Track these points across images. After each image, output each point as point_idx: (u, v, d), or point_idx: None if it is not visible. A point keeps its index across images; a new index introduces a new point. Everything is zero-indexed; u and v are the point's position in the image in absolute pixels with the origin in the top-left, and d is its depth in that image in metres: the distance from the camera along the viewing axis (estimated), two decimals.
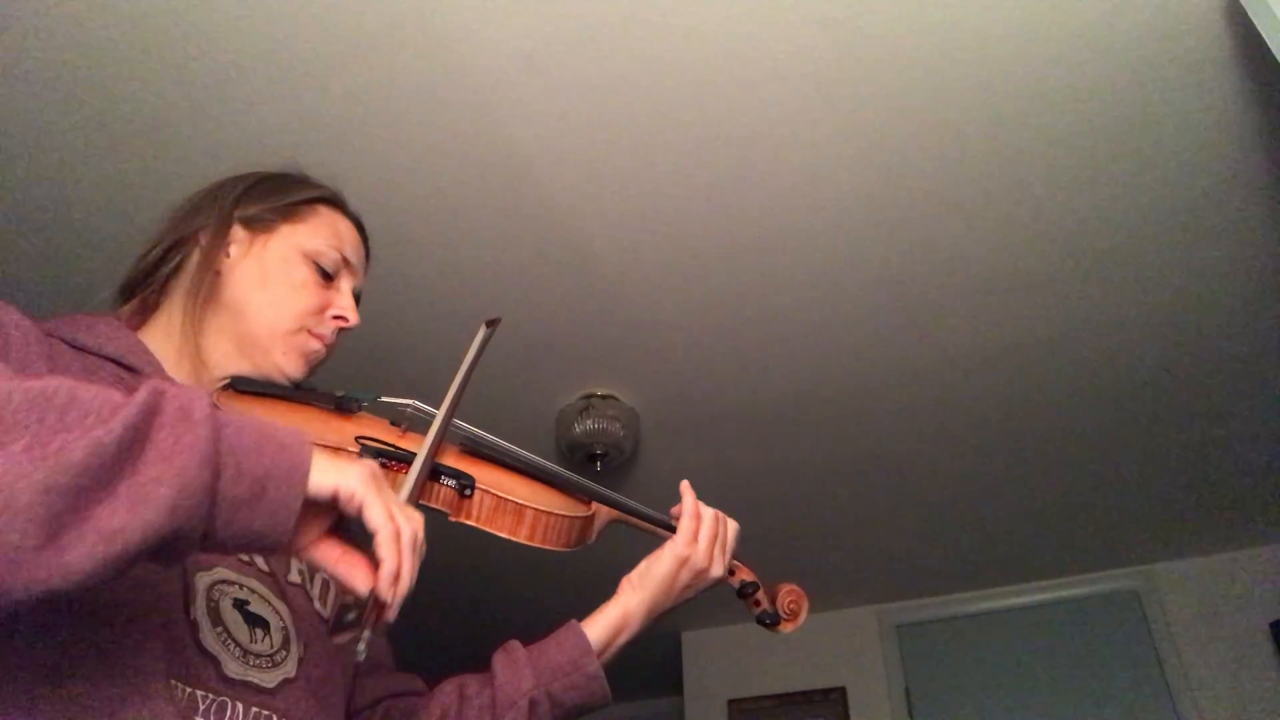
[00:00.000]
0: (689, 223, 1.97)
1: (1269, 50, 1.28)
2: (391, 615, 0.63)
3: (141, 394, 0.56)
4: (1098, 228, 2.01)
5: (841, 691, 3.70)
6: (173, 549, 0.55)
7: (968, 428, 2.72)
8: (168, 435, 0.55)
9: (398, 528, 0.63)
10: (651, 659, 4.07)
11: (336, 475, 0.61)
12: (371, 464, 0.64)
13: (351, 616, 0.62)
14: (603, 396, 2.51)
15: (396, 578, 0.62)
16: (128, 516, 0.52)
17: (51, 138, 1.67)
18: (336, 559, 0.63)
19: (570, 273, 2.09)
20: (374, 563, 0.63)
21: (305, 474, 0.59)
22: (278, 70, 1.59)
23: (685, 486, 1.09)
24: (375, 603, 0.62)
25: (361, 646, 0.63)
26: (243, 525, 0.57)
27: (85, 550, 0.50)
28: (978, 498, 3.11)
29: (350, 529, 0.65)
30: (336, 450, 0.82)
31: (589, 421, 2.46)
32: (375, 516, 0.62)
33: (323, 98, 1.64)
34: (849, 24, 1.55)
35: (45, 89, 1.58)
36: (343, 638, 0.62)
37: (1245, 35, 1.55)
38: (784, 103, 1.69)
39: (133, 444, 0.53)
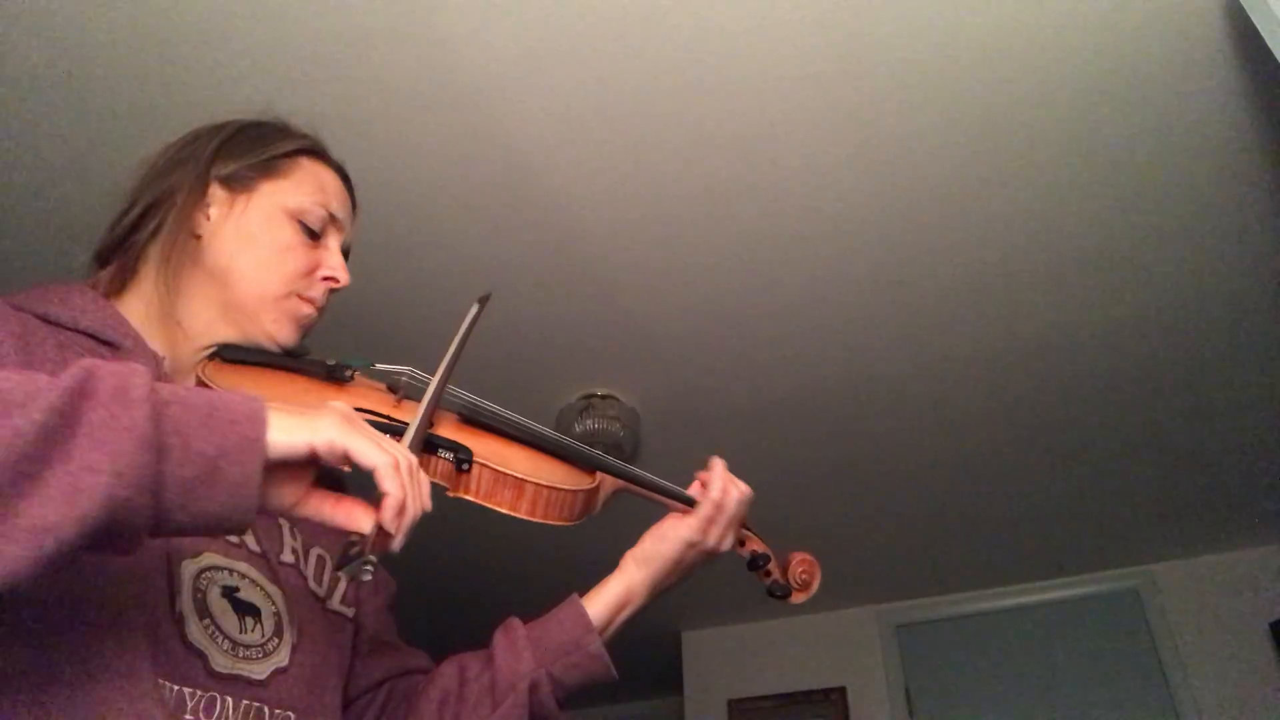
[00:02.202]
0: (689, 223, 1.97)
1: (1269, 50, 1.28)
2: (397, 545, 0.62)
3: (68, 375, 0.51)
4: (1097, 228, 2.01)
5: (841, 691, 3.70)
6: (118, 539, 0.52)
7: (967, 428, 2.72)
8: (101, 416, 0.51)
9: (394, 457, 0.61)
10: (651, 659, 4.07)
11: (307, 432, 0.58)
12: (339, 405, 0.62)
13: (355, 551, 0.61)
14: (603, 396, 2.51)
15: (402, 508, 0.61)
16: (61, 510, 0.48)
17: (51, 137, 1.67)
18: (332, 507, 0.62)
19: (570, 272, 2.09)
20: (370, 501, 0.62)
21: (262, 446, 0.56)
22: (277, 70, 1.58)
23: (718, 464, 1.01)
24: (380, 535, 0.61)
25: (367, 576, 0.62)
26: (198, 509, 0.54)
27: (17, 551, 0.47)
28: (978, 498, 3.11)
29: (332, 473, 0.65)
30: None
31: (589, 421, 2.46)
32: (366, 455, 0.60)
33: (323, 97, 1.64)
34: (848, 24, 1.55)
35: (45, 88, 1.58)
36: (348, 570, 0.62)
37: (1245, 35, 1.55)
38: (784, 103, 1.69)
39: (59, 429, 0.49)
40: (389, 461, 0.61)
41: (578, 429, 2.46)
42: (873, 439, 2.76)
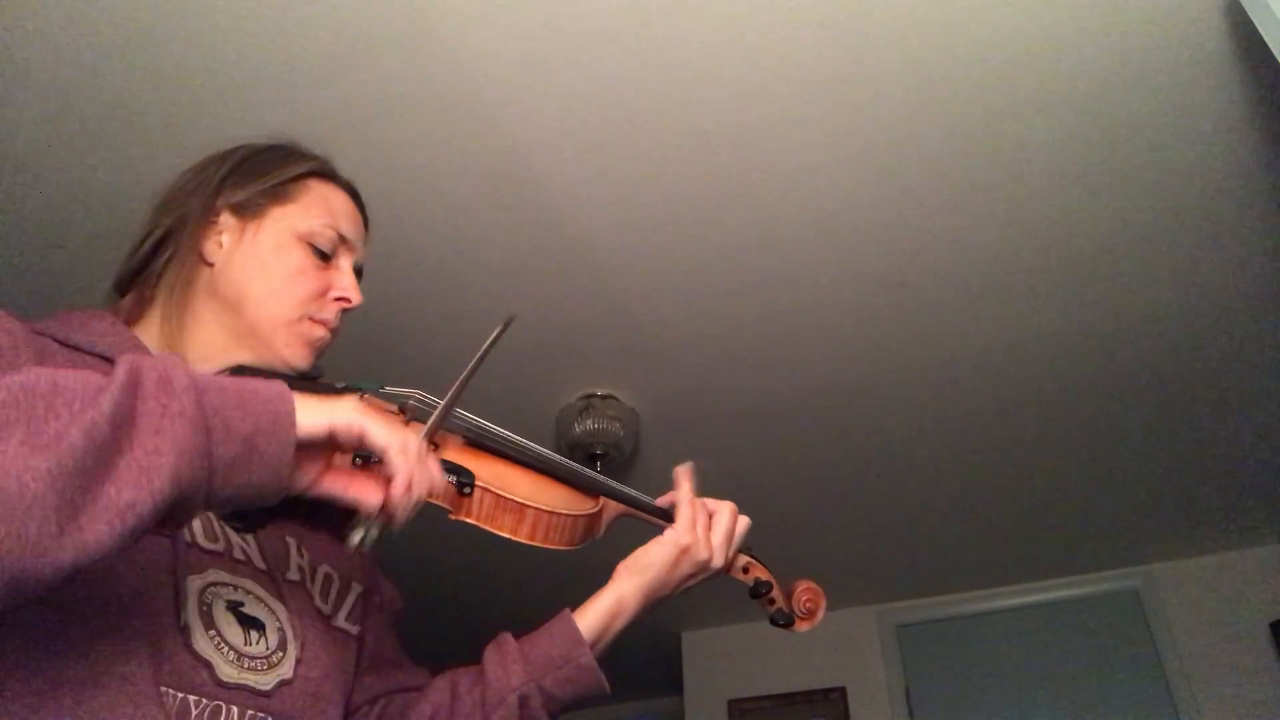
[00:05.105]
0: (689, 223, 1.97)
1: (1269, 50, 1.28)
2: (401, 521, 0.68)
3: (120, 370, 0.57)
4: (1098, 228, 2.01)
5: (841, 691, 3.70)
6: (180, 513, 0.58)
7: (967, 428, 2.72)
8: (154, 405, 0.57)
9: (403, 439, 0.67)
10: (651, 659, 4.07)
11: (328, 414, 0.64)
12: (354, 399, 0.68)
13: (360, 522, 0.68)
14: (603, 396, 2.51)
15: (409, 485, 0.67)
16: (136, 489, 0.54)
17: (53, 138, 1.67)
18: (346, 485, 0.67)
19: (570, 273, 2.09)
20: (380, 479, 0.68)
21: (292, 423, 0.62)
22: (278, 71, 1.58)
23: (681, 472, 1.04)
24: (386, 511, 0.67)
25: (365, 543, 0.68)
26: (241, 481, 0.60)
27: (104, 527, 0.53)
28: (978, 498, 3.11)
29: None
30: None
31: (589, 421, 2.46)
32: (378, 435, 0.66)
33: (322, 98, 1.64)
34: (848, 25, 1.55)
35: (46, 89, 1.58)
36: (351, 539, 0.68)
37: (1245, 35, 1.55)
38: (784, 103, 1.69)
39: (124, 420, 0.55)
40: (399, 442, 0.67)
41: (578, 429, 2.46)
42: (873, 438, 2.76)
